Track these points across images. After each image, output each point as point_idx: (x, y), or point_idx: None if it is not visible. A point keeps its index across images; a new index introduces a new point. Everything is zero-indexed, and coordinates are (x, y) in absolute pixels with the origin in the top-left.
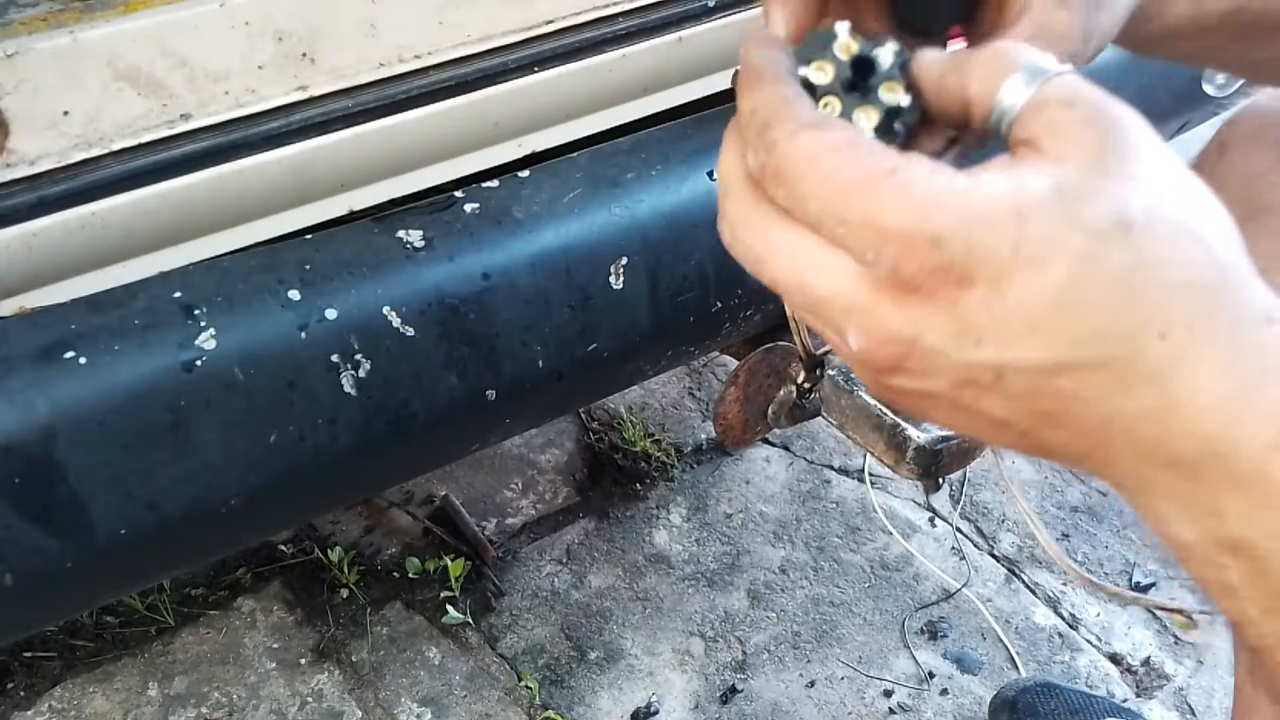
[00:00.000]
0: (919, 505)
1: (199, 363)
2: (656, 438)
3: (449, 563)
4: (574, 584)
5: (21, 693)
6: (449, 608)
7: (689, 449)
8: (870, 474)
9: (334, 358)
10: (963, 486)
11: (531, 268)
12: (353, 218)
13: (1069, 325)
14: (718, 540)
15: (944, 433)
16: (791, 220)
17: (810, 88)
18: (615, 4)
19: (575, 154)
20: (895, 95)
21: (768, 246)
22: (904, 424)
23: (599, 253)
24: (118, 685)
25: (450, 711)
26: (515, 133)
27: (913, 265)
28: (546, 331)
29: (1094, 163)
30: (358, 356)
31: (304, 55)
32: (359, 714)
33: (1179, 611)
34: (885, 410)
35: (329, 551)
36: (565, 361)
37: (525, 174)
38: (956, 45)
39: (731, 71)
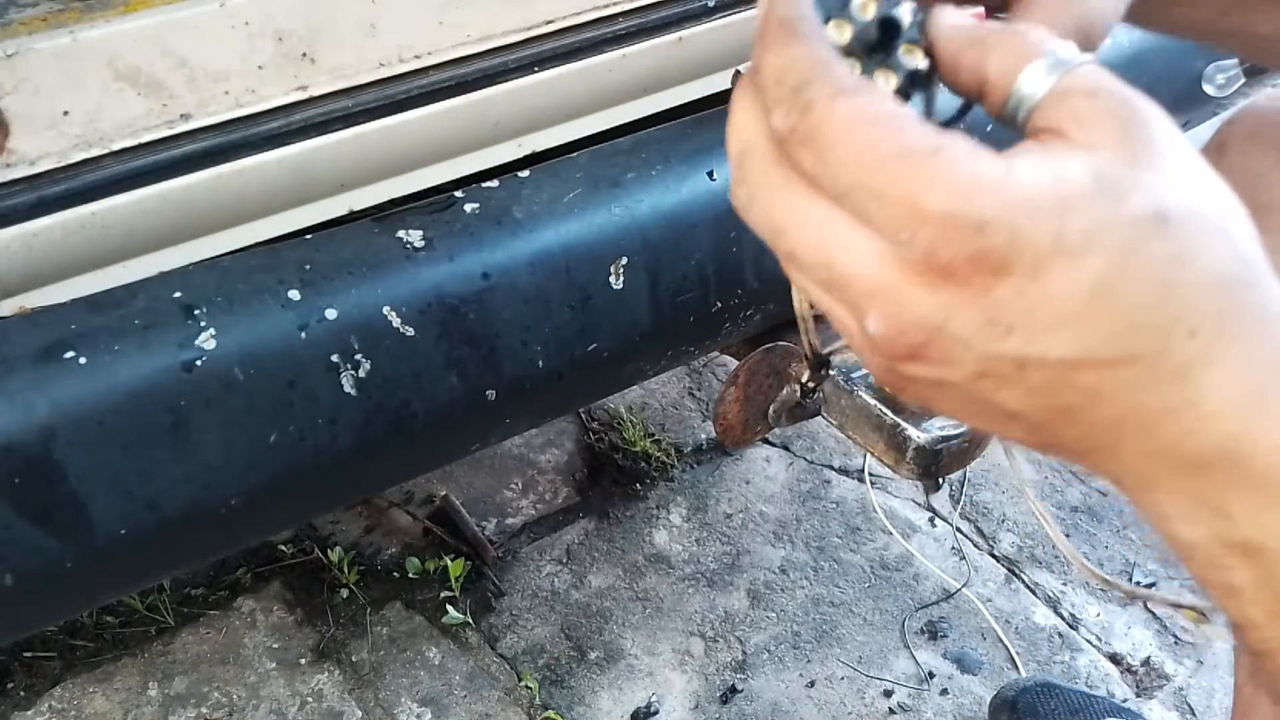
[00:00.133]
0: (919, 505)
1: (199, 363)
2: (656, 438)
3: (449, 563)
4: (574, 584)
5: (21, 693)
6: (449, 608)
7: (689, 449)
8: (870, 474)
9: (334, 358)
10: (963, 486)
11: (531, 268)
12: (353, 218)
13: (1102, 320)
14: (718, 540)
15: (944, 433)
16: (819, 191)
17: None
18: (615, 4)
19: (575, 154)
20: (915, 59)
21: (791, 216)
22: (904, 424)
23: (599, 253)
24: (118, 685)
25: (450, 711)
26: (515, 133)
27: (950, 249)
28: (546, 331)
29: (1126, 153)
30: (358, 356)
31: (304, 55)
32: (359, 714)
33: (1192, 608)
34: (885, 410)
35: (329, 551)
36: (565, 361)
37: (525, 174)
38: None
39: (732, 71)
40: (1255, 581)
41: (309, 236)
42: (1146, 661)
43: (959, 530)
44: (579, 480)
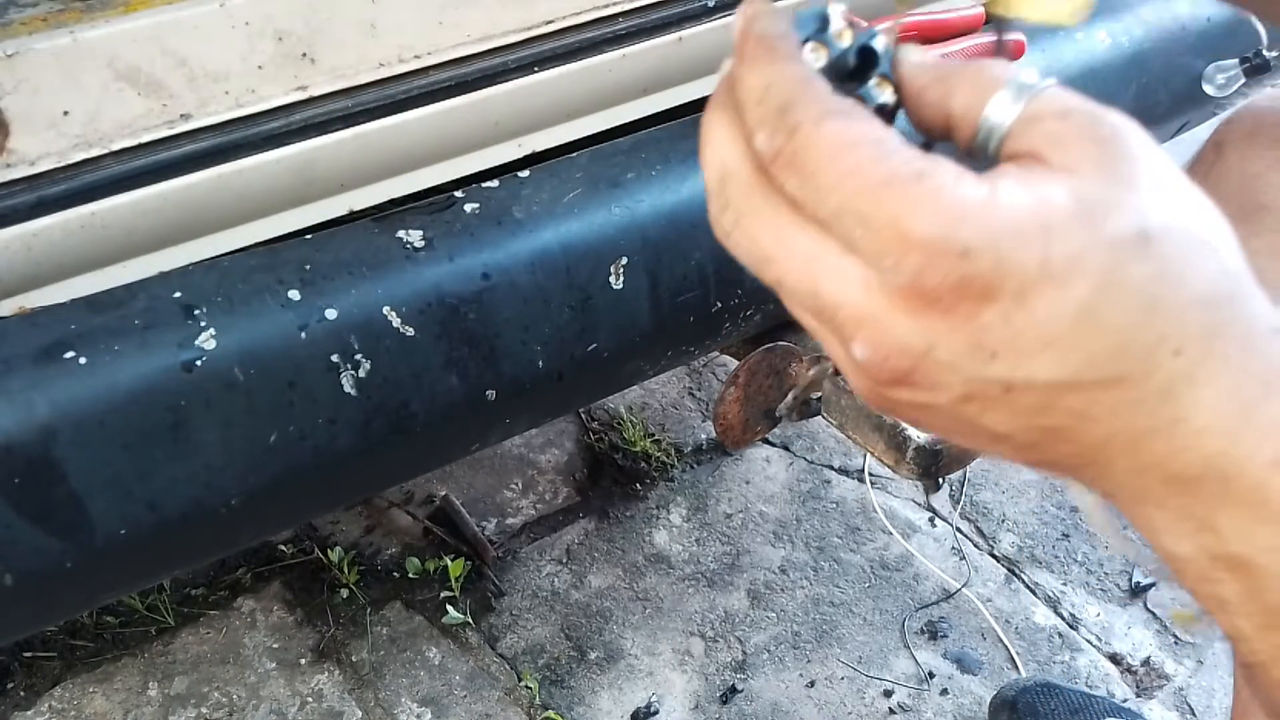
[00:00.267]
0: (919, 505)
1: (199, 363)
2: (656, 438)
3: (449, 563)
4: (574, 584)
5: (21, 693)
6: (449, 608)
7: (689, 449)
8: (870, 474)
9: (334, 358)
10: (963, 486)
11: (531, 268)
12: (353, 218)
13: (1087, 343)
14: (718, 540)
15: None
16: (804, 217)
17: None
18: (615, 4)
19: (575, 154)
20: (885, 93)
21: (777, 242)
22: (904, 424)
23: (599, 253)
24: (118, 685)
25: (450, 711)
26: (515, 133)
27: (936, 276)
28: (546, 331)
29: (1104, 173)
30: (358, 356)
31: (304, 55)
32: (359, 714)
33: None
34: None
35: (329, 551)
36: (565, 361)
37: (525, 174)
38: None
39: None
40: (1243, 595)
41: (309, 236)
42: (1146, 661)
43: (959, 530)
44: (579, 480)
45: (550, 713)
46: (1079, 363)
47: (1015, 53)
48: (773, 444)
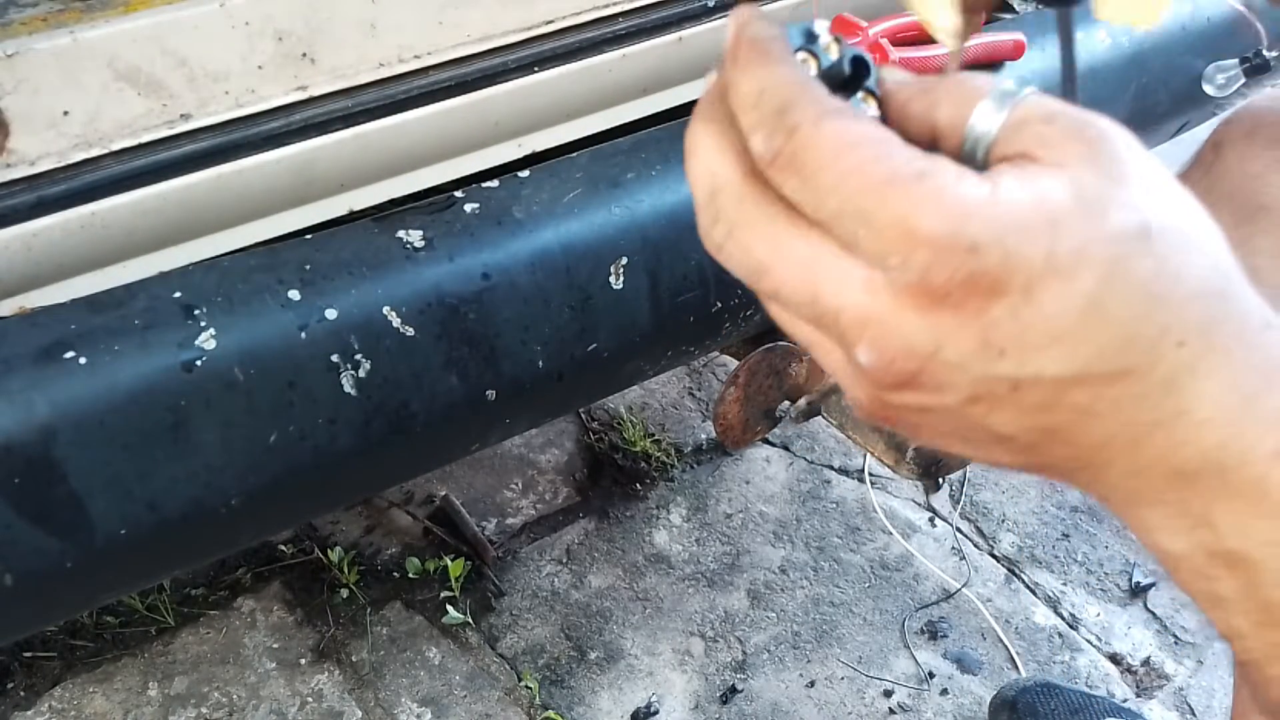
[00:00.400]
0: (919, 505)
1: (199, 363)
2: (656, 438)
3: (449, 563)
4: (574, 584)
5: (21, 693)
6: (449, 608)
7: (689, 449)
8: (870, 474)
9: (334, 358)
10: (963, 486)
11: (531, 268)
12: (353, 218)
13: (1094, 336)
14: (718, 540)
15: None
16: (802, 221)
17: None
18: (615, 4)
19: (575, 154)
20: (870, 107)
21: (773, 251)
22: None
23: (599, 253)
24: (118, 685)
25: (450, 711)
26: (515, 133)
27: (945, 273)
28: (546, 331)
29: (1097, 170)
30: (358, 356)
31: (304, 55)
32: (359, 714)
33: None
34: None
35: (329, 551)
36: (565, 361)
37: (525, 174)
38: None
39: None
40: (1240, 591)
41: (309, 236)
42: (1146, 661)
43: (959, 530)
44: (579, 480)
45: (550, 713)
46: (1087, 356)
47: (1015, 52)
48: (773, 444)
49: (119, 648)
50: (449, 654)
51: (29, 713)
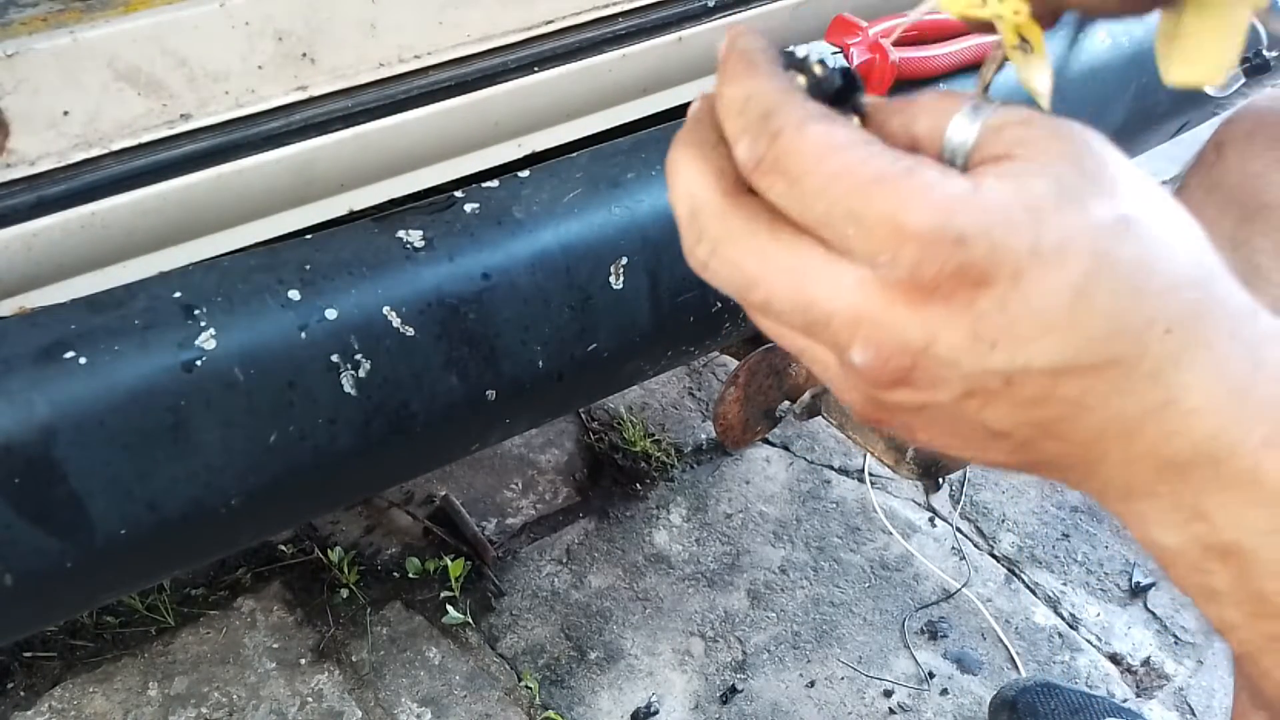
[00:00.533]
0: (919, 505)
1: (199, 363)
2: (656, 438)
3: (449, 563)
4: (574, 584)
5: (21, 693)
6: (449, 608)
7: (689, 449)
8: (870, 474)
9: (334, 358)
10: (963, 486)
11: (531, 268)
12: (353, 218)
13: (1081, 325)
14: (718, 540)
15: None
16: (786, 230)
17: None
18: (615, 4)
19: (575, 154)
20: (854, 122)
21: (759, 262)
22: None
23: (599, 253)
24: (118, 685)
25: (450, 711)
26: (515, 133)
27: (934, 266)
28: (546, 331)
29: (1076, 167)
30: (358, 356)
31: (304, 55)
32: (359, 714)
33: None
34: None
35: (329, 551)
36: (565, 361)
37: (525, 174)
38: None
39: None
40: (1233, 583)
41: (309, 236)
42: (1146, 661)
43: (959, 530)
44: (579, 480)
45: (550, 713)
46: (1076, 346)
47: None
48: (773, 444)
49: (119, 648)
50: (449, 654)
51: (29, 713)
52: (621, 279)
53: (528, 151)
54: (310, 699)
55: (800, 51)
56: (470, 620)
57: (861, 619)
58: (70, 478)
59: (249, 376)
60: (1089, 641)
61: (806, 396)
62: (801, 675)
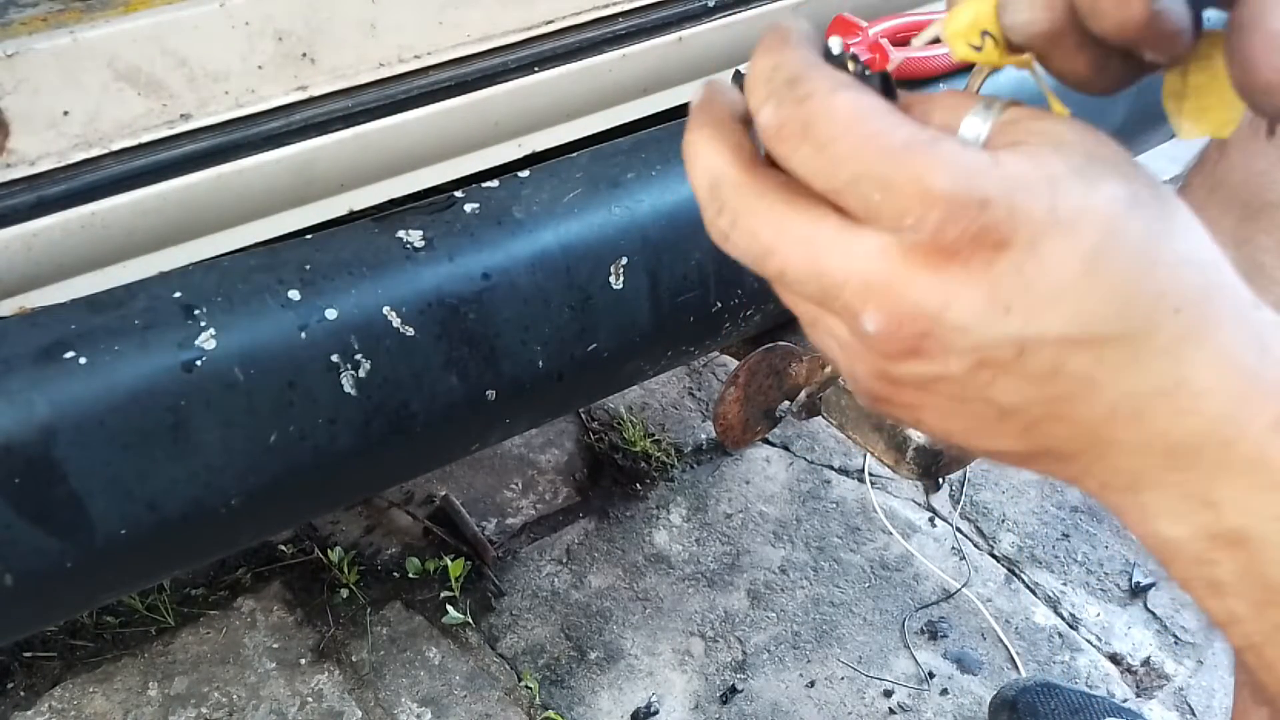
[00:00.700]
0: (919, 505)
1: (199, 363)
2: (656, 438)
3: (449, 563)
4: (574, 584)
5: (21, 693)
6: (449, 608)
7: (689, 449)
8: (870, 474)
9: (334, 358)
10: (963, 486)
11: (531, 268)
12: (353, 218)
13: (1094, 295)
14: (718, 540)
15: None
16: (802, 199)
17: None
18: (615, 4)
19: (575, 154)
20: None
21: (776, 231)
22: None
23: (599, 253)
24: (118, 685)
25: (450, 711)
26: (515, 133)
27: (958, 228)
28: (546, 331)
29: (1086, 152)
30: (358, 356)
31: (304, 55)
32: (359, 714)
33: None
34: None
35: (329, 551)
36: (565, 361)
37: (525, 174)
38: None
39: (732, 71)
40: (1239, 572)
41: (309, 236)
42: (1146, 661)
43: (959, 530)
44: (579, 480)
45: (550, 713)
46: (1088, 316)
47: None
48: (773, 444)
49: (119, 648)
50: (449, 654)
51: (29, 713)
52: (621, 279)
53: (528, 151)
54: (310, 699)
55: (835, 48)
56: (470, 620)
57: (861, 619)
58: (70, 478)
59: (249, 376)
60: (1089, 641)
61: (803, 395)
62: (801, 675)
